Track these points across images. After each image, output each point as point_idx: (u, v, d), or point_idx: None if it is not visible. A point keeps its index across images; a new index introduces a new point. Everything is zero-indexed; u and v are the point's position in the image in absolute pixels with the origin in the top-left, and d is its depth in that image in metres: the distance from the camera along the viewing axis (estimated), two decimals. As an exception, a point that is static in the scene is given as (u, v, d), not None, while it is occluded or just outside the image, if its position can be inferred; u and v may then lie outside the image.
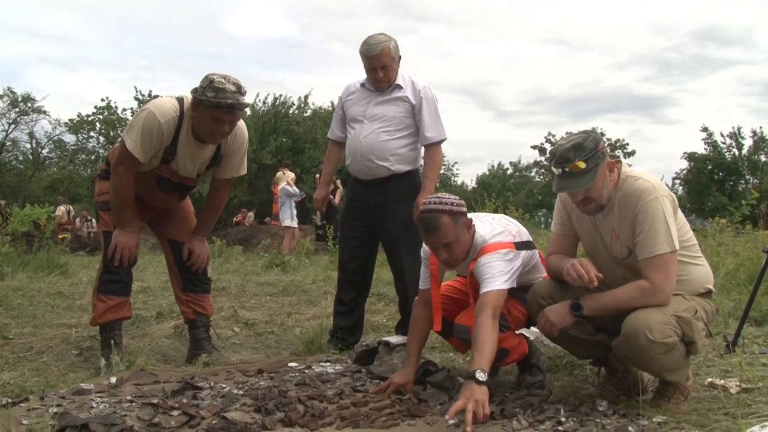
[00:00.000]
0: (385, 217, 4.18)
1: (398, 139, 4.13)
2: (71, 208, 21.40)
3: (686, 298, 2.87)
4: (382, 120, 4.13)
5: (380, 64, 4.05)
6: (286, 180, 14.33)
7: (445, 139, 4.21)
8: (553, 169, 2.88)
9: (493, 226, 3.20)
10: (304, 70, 76.36)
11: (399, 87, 4.17)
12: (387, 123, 4.13)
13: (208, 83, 3.45)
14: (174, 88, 62.06)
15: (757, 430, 2.46)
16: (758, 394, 3.08)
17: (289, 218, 13.47)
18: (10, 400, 2.83)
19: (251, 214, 22.35)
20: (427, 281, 3.35)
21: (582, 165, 2.79)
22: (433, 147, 4.20)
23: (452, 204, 3.04)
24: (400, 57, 4.16)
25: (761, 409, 2.80)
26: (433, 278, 3.31)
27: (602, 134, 32.12)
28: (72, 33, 68.14)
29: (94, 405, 2.82)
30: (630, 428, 2.57)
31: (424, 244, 3.33)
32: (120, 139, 3.62)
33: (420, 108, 4.13)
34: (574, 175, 2.81)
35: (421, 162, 4.32)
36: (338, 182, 14.58)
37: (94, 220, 20.59)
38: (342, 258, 4.41)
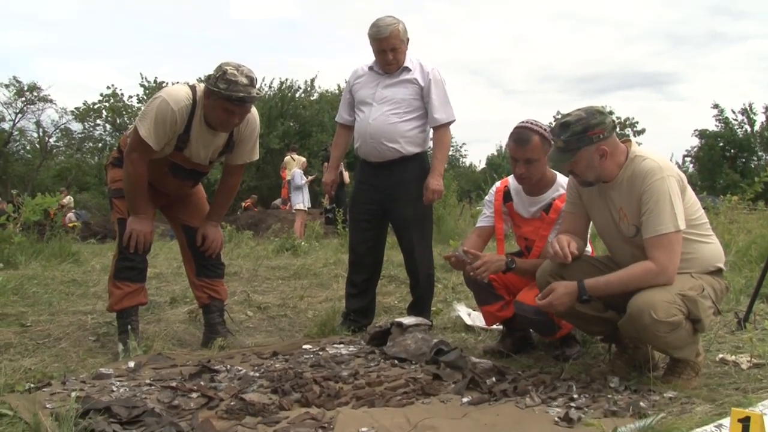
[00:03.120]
0: (395, 198, 4.20)
1: (407, 122, 4.15)
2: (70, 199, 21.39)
3: (694, 277, 2.89)
4: (392, 102, 4.14)
5: (389, 46, 4.06)
6: (298, 165, 14.36)
7: (453, 121, 4.22)
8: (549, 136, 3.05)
9: None
10: (310, 53, 76.07)
11: (407, 69, 4.18)
12: (396, 105, 4.14)
13: (221, 74, 3.46)
14: (180, 73, 61.95)
15: (767, 404, 2.49)
16: (769, 369, 3.11)
17: (300, 202, 13.57)
18: (32, 385, 2.90)
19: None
20: (488, 219, 3.77)
21: (560, 144, 2.92)
22: (442, 128, 4.21)
23: (545, 130, 3.40)
24: (408, 39, 4.17)
25: (772, 384, 2.83)
26: (497, 213, 3.73)
27: (611, 113, 31.42)
28: (75, 21, 68.02)
29: (115, 389, 2.88)
30: (641, 404, 2.61)
31: (489, 192, 3.85)
32: (133, 126, 3.66)
33: (429, 90, 4.14)
34: (557, 149, 2.97)
35: (430, 144, 4.34)
36: (342, 166, 14.60)
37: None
38: (352, 240, 4.45)
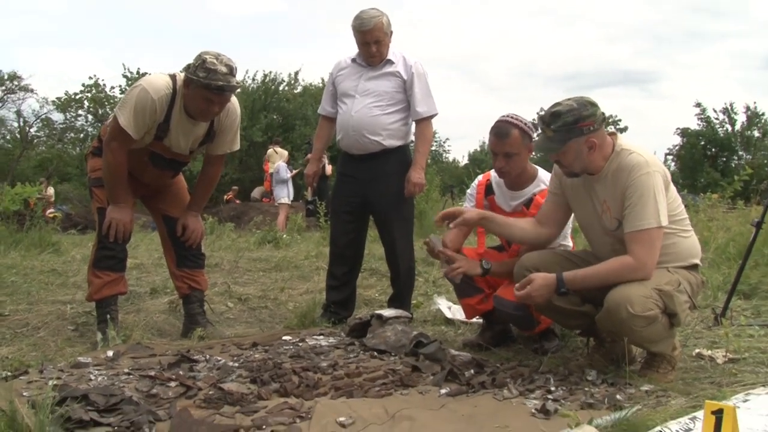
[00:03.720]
0: (376, 191, 4.21)
1: (390, 114, 4.15)
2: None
3: (670, 271, 2.92)
4: (374, 95, 4.15)
5: (373, 38, 4.06)
6: (282, 158, 14.28)
7: (436, 114, 4.24)
8: (538, 124, 3.05)
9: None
10: (293, 45, 75.79)
11: (390, 62, 4.18)
12: (379, 98, 4.14)
13: (201, 63, 3.45)
14: (163, 64, 61.43)
15: (741, 397, 2.52)
16: (744, 364, 3.14)
17: (285, 196, 13.54)
18: (9, 374, 2.87)
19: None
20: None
21: (549, 134, 2.91)
22: (424, 122, 4.22)
23: (525, 124, 3.44)
24: (391, 32, 4.17)
25: (746, 378, 2.87)
26: (478, 206, 3.68)
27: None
28: (57, 9, 67.15)
29: (93, 377, 2.87)
30: (618, 396, 2.63)
31: (471, 185, 3.83)
32: (112, 115, 3.63)
33: (411, 83, 4.15)
34: (546, 138, 2.95)
35: (412, 137, 4.35)
36: (325, 158, 14.55)
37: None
38: (333, 233, 4.45)
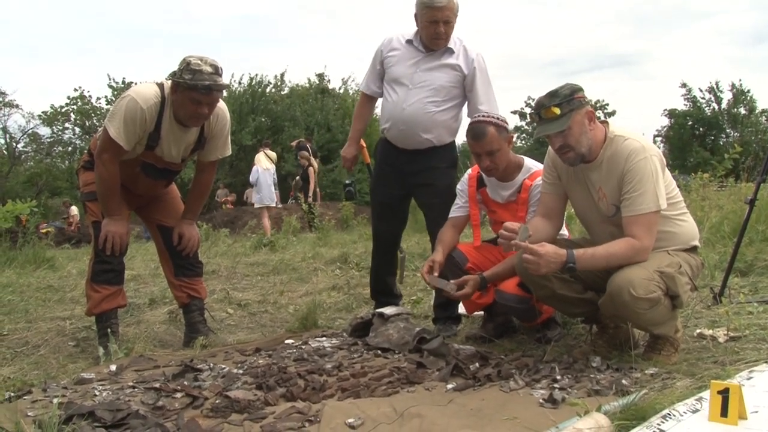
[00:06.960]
0: (425, 183, 3.99)
1: (444, 111, 3.89)
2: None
3: (670, 254, 2.94)
4: (430, 89, 3.85)
5: (444, 17, 3.73)
6: (271, 161, 13.88)
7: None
8: (534, 116, 3.03)
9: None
10: (278, 46, 75.48)
11: (450, 51, 3.88)
12: (434, 92, 3.86)
13: (185, 66, 3.46)
14: (148, 72, 61.10)
15: (745, 375, 2.54)
16: (745, 342, 3.16)
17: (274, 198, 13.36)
18: (13, 394, 2.84)
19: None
20: (461, 209, 3.76)
21: (556, 110, 2.90)
22: None
23: (497, 119, 3.50)
24: (457, 16, 3.85)
25: (748, 356, 2.88)
26: (472, 200, 3.72)
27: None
28: (35, 22, 66.57)
29: (97, 393, 2.85)
30: (624, 381, 2.64)
31: (461, 180, 3.81)
32: (102, 127, 3.62)
33: (473, 79, 3.88)
34: (549, 121, 2.94)
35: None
36: (314, 161, 14.48)
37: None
38: (377, 228, 4.24)
